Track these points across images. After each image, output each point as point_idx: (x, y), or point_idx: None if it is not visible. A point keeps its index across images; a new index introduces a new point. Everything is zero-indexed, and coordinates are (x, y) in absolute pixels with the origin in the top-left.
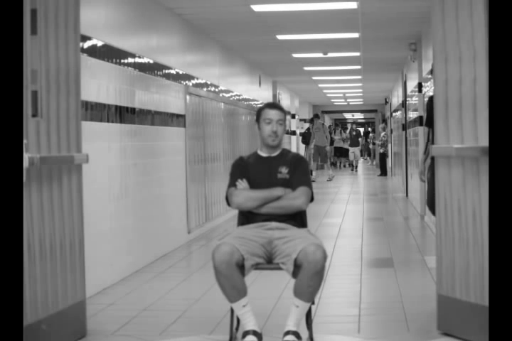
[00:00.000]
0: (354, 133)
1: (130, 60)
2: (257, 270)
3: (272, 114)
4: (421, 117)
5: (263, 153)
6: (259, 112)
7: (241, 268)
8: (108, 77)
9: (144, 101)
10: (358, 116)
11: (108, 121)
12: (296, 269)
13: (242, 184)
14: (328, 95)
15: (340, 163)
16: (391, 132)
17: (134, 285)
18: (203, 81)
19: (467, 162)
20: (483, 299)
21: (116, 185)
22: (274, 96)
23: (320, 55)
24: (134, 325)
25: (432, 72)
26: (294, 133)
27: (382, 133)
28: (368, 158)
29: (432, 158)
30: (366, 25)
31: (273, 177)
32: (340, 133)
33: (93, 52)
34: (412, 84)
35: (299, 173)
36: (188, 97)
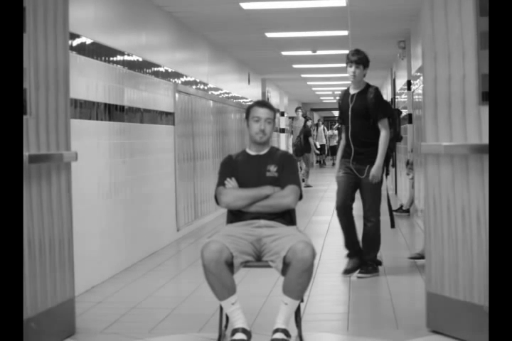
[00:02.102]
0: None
1: (119, 57)
2: (246, 268)
3: (261, 112)
4: (410, 115)
5: (251, 152)
6: (248, 110)
7: (230, 266)
8: (97, 74)
9: (133, 99)
10: None
11: (97, 119)
12: (285, 267)
13: (230, 183)
14: (317, 93)
15: (324, 161)
16: None
17: (123, 283)
18: (192, 79)
19: (456, 160)
20: (472, 297)
21: (105, 183)
22: (263, 94)
23: (309, 52)
24: (122, 323)
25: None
26: (283, 131)
27: None
28: None
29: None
30: (355, 22)
31: (262, 175)
32: (324, 130)
33: (82, 50)
34: (401, 82)
35: (287, 171)
36: (177, 95)
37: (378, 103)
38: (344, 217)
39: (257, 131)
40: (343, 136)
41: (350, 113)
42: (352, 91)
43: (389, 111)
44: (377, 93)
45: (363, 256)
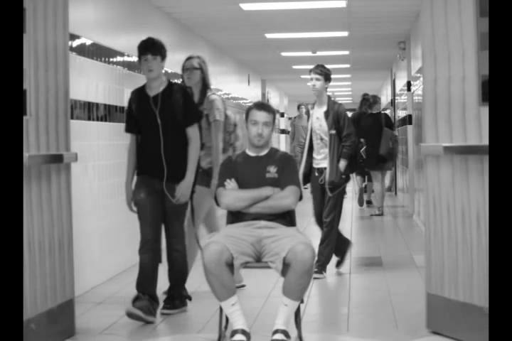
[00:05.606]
0: None
1: (119, 58)
2: (246, 268)
3: (259, 115)
4: (410, 116)
5: (251, 153)
6: (247, 112)
7: (230, 266)
8: (97, 75)
9: None
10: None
11: (97, 120)
12: (285, 268)
13: (230, 184)
14: None
15: None
16: None
17: (123, 284)
18: None
19: (456, 160)
20: (471, 298)
21: (105, 183)
22: (263, 95)
23: (309, 53)
24: (122, 323)
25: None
26: (283, 131)
27: None
28: None
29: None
30: (355, 23)
31: (261, 176)
32: None
33: (82, 50)
34: (401, 83)
35: (287, 172)
36: None
37: (187, 105)
38: (151, 253)
39: (255, 134)
40: (136, 151)
41: (159, 120)
42: (152, 93)
43: (200, 115)
44: (185, 92)
45: (169, 290)
